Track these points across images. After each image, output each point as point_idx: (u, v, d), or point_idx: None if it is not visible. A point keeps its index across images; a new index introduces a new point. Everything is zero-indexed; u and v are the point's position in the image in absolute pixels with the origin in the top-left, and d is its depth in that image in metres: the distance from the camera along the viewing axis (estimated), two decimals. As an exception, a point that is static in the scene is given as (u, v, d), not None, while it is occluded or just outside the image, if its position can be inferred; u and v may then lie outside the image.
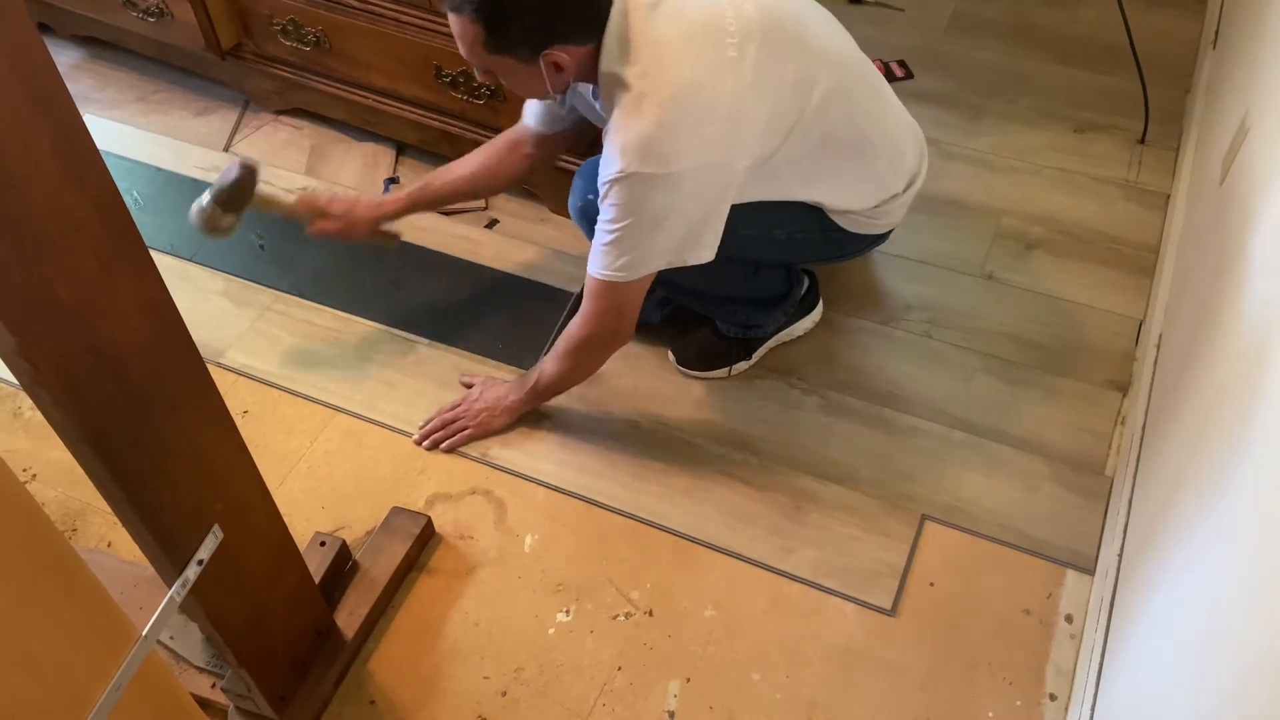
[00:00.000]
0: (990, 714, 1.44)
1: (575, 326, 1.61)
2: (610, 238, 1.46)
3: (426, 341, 1.93)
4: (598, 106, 1.56)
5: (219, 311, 1.99)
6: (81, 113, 0.81)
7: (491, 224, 2.16)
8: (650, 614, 1.56)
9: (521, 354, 1.89)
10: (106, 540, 1.67)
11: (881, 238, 1.78)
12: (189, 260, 2.08)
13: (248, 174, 1.66)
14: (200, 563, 1.08)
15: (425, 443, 1.76)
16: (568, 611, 1.56)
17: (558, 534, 1.65)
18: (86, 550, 1.63)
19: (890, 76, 2.44)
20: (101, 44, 2.54)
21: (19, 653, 0.85)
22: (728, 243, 1.51)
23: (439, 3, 1.40)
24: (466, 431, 1.75)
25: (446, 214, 2.14)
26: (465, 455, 1.76)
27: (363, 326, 1.96)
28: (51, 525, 0.87)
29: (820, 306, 1.91)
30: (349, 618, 1.51)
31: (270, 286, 2.03)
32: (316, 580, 1.45)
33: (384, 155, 2.31)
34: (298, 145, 2.34)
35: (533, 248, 2.09)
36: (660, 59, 1.38)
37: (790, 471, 1.71)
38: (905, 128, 1.68)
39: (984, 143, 2.29)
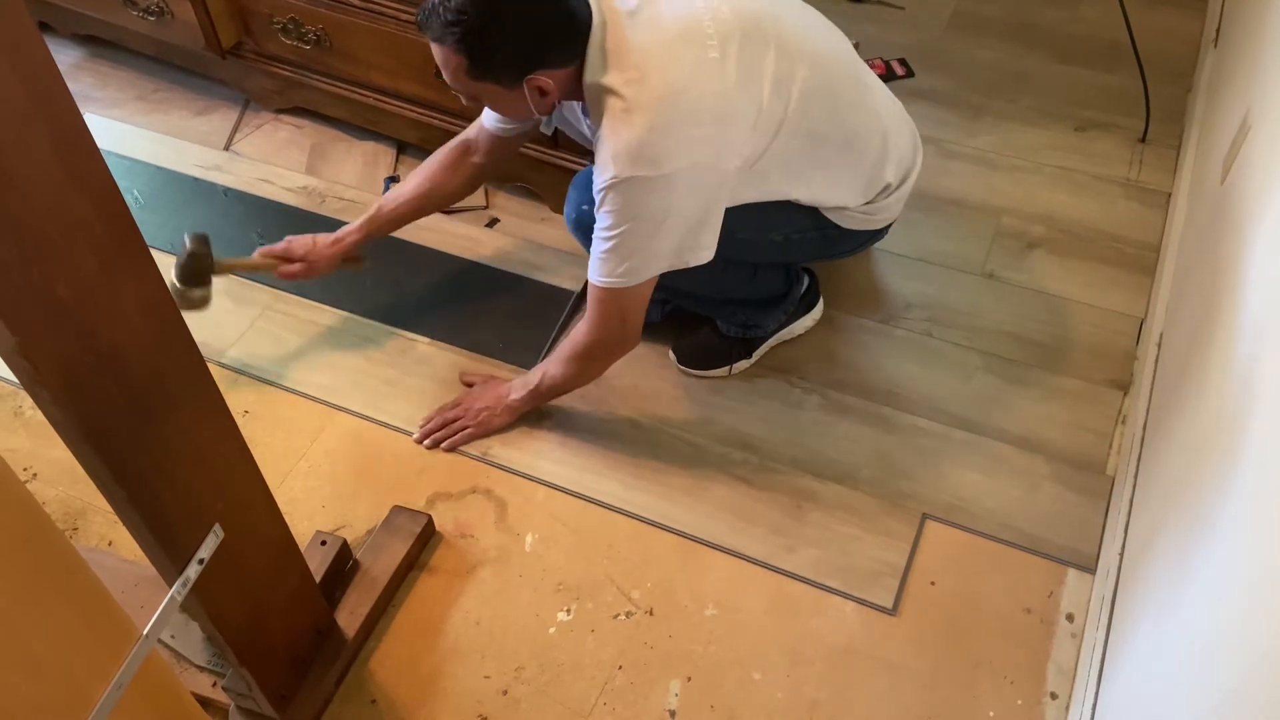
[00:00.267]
0: (991, 713, 1.44)
1: (580, 333, 1.61)
2: (609, 244, 1.46)
3: (427, 340, 1.93)
4: (585, 121, 1.57)
5: (220, 310, 1.98)
6: (82, 112, 0.81)
7: (492, 223, 2.16)
8: (651, 613, 1.56)
9: (522, 353, 1.89)
10: (107, 539, 1.67)
11: (879, 233, 1.78)
12: (189, 259, 2.08)
13: (198, 244, 1.69)
14: (201, 562, 1.08)
15: (426, 441, 1.76)
16: (568, 610, 1.56)
17: (558, 533, 1.65)
18: (87, 549, 1.63)
19: (891, 75, 2.44)
20: (102, 43, 2.54)
21: (20, 652, 0.85)
22: (725, 246, 1.51)
23: (420, 33, 1.40)
24: (467, 431, 1.75)
25: (447, 213, 2.14)
26: (466, 454, 1.76)
27: (363, 325, 1.96)
28: (52, 524, 0.87)
29: (820, 305, 1.91)
30: (350, 617, 1.51)
31: (271, 285, 2.03)
32: (317, 579, 1.45)
33: (385, 154, 2.31)
34: (298, 144, 2.34)
35: (533, 247, 2.09)
36: (644, 65, 1.39)
37: (791, 470, 1.71)
38: (896, 120, 1.68)
39: (985, 141, 2.28)
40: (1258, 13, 1.80)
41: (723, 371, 1.84)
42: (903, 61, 2.48)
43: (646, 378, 1.85)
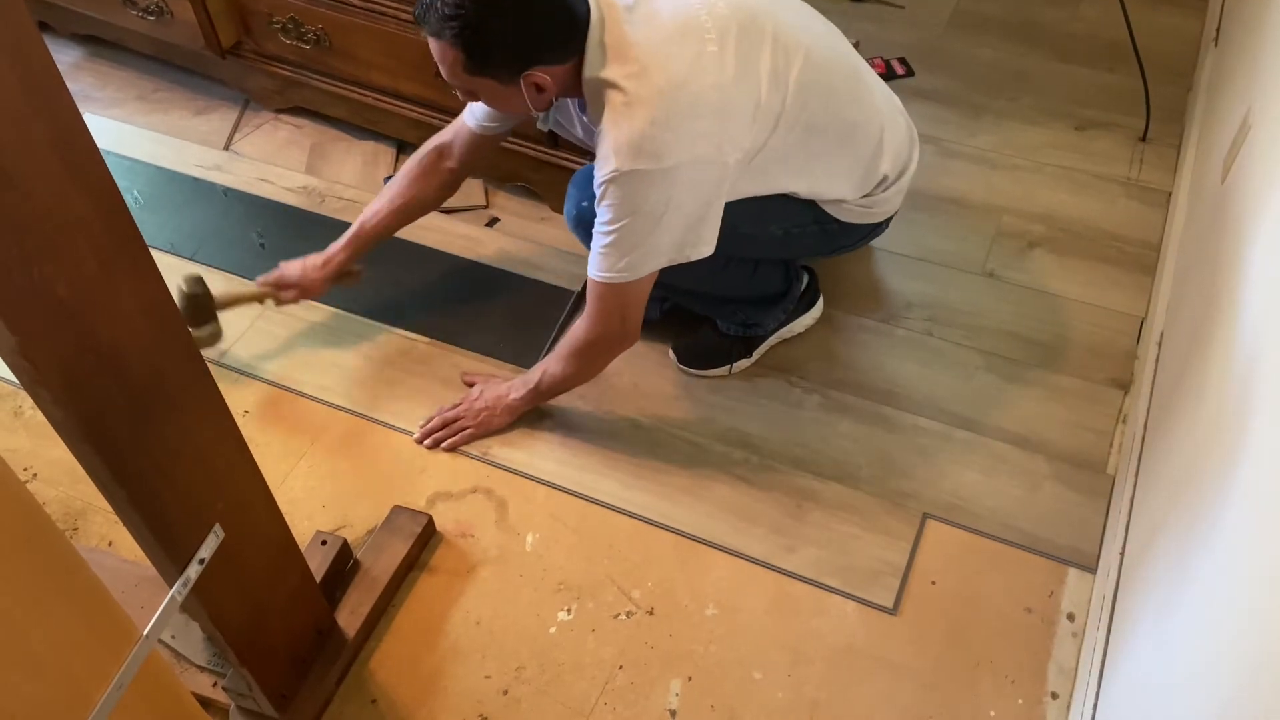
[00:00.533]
0: (992, 713, 1.44)
1: (580, 329, 1.61)
2: (610, 239, 1.46)
3: (427, 340, 1.93)
4: (583, 118, 1.57)
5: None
6: (82, 111, 0.80)
7: (492, 222, 2.16)
8: (651, 613, 1.56)
9: (522, 352, 1.89)
10: (107, 539, 1.67)
11: (879, 228, 1.78)
12: (190, 259, 2.08)
13: (192, 285, 1.73)
14: (201, 562, 1.08)
15: (426, 441, 1.76)
16: (569, 610, 1.56)
17: (559, 533, 1.65)
18: (87, 549, 1.63)
19: (891, 74, 2.43)
20: (101, 42, 2.54)
21: (20, 652, 0.85)
22: (726, 242, 1.51)
23: (418, 27, 1.40)
24: (467, 431, 1.75)
25: (446, 212, 2.14)
26: (466, 454, 1.75)
27: (363, 325, 1.96)
28: (52, 524, 0.87)
29: (820, 303, 1.91)
30: (350, 616, 1.51)
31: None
32: (318, 579, 1.45)
33: (384, 153, 2.31)
34: (298, 144, 2.34)
35: (533, 246, 2.09)
36: (645, 59, 1.39)
37: (791, 470, 1.71)
38: (892, 114, 1.69)
39: (985, 140, 2.28)
40: (1258, 12, 1.79)
41: (723, 371, 1.84)
42: (903, 61, 2.48)
43: (646, 377, 1.85)
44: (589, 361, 1.67)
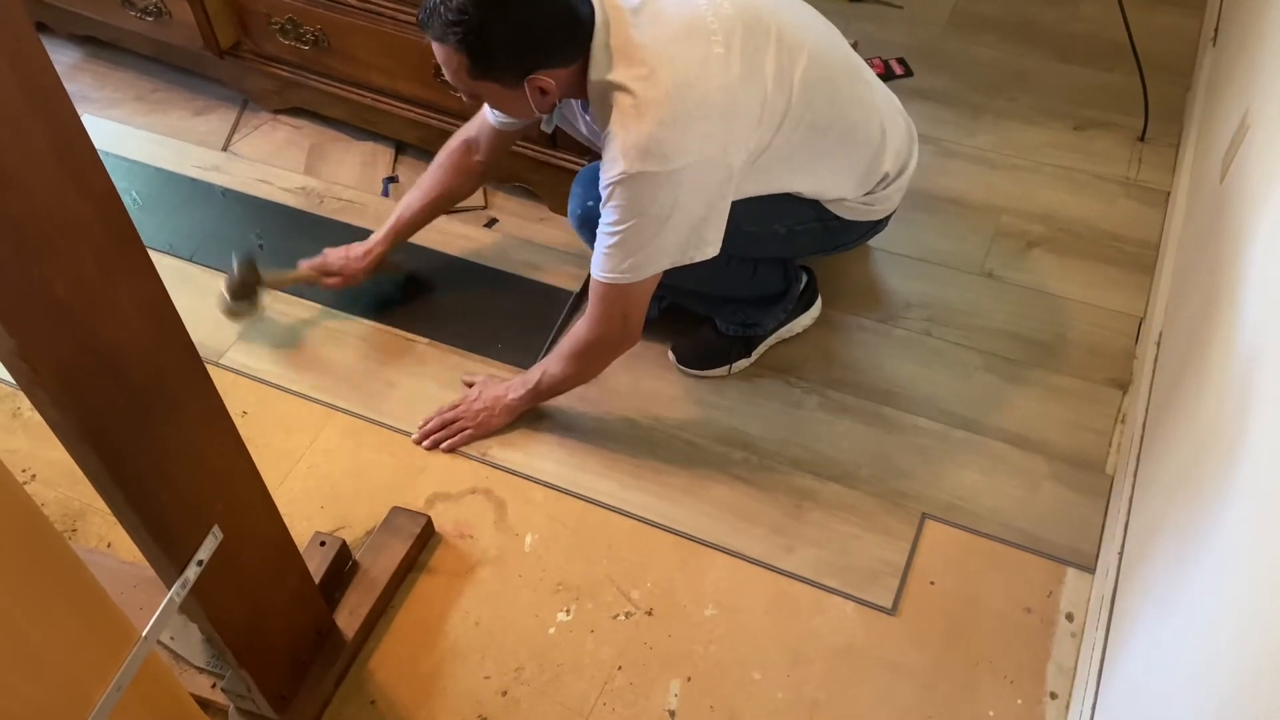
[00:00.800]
0: (991, 712, 1.44)
1: (581, 330, 1.61)
2: (615, 239, 1.46)
3: (425, 340, 1.93)
4: (587, 119, 1.57)
5: (218, 312, 1.98)
6: (80, 112, 0.80)
7: (491, 223, 2.16)
8: (650, 613, 1.56)
9: (520, 353, 1.89)
10: (106, 541, 1.67)
11: (879, 225, 1.79)
12: (188, 260, 2.08)
13: (247, 265, 1.81)
14: (200, 563, 1.08)
15: (425, 443, 1.76)
16: (568, 611, 1.56)
17: (558, 533, 1.65)
18: (86, 551, 1.62)
19: (889, 74, 2.44)
20: (100, 43, 2.54)
21: (19, 654, 0.85)
22: (730, 240, 1.52)
23: (422, 32, 1.41)
24: (466, 432, 1.75)
25: (446, 213, 2.14)
26: (465, 455, 1.75)
27: (361, 326, 1.96)
28: (51, 526, 0.87)
29: (819, 303, 1.91)
30: (349, 617, 1.51)
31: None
32: (316, 580, 1.45)
33: (383, 154, 2.31)
34: (297, 144, 2.34)
35: (532, 247, 2.09)
36: (652, 61, 1.39)
37: (790, 470, 1.71)
38: (892, 112, 1.70)
39: (984, 140, 2.28)
40: (1256, 12, 1.80)
41: (722, 371, 1.84)
42: (901, 61, 2.48)
43: (645, 377, 1.85)
44: (589, 362, 1.67)
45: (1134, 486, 1.54)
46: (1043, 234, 2.08)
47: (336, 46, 2.10)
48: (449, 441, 1.75)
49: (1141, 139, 2.26)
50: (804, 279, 1.88)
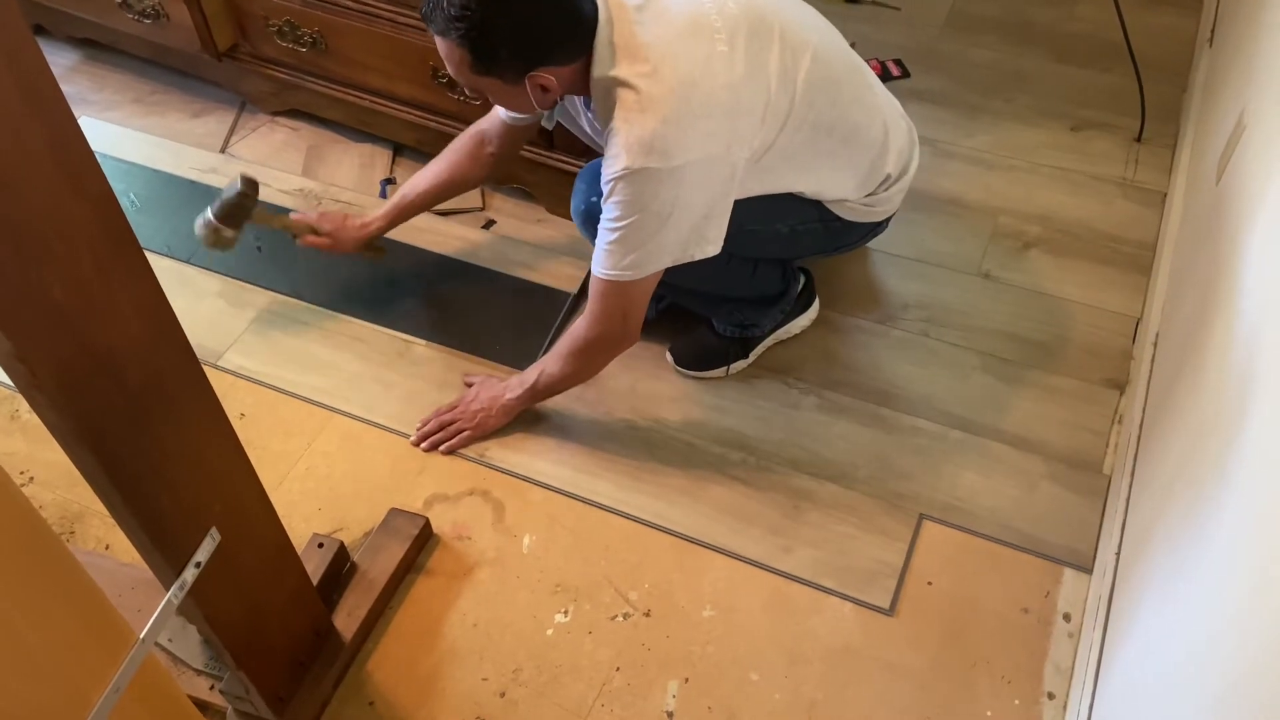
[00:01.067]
0: (989, 713, 1.44)
1: (580, 328, 1.61)
2: (615, 236, 1.46)
3: (423, 342, 1.93)
4: (589, 115, 1.57)
5: (216, 313, 1.99)
6: (78, 114, 0.81)
7: (488, 225, 2.16)
8: (648, 614, 1.56)
9: (518, 354, 1.89)
10: (104, 543, 1.67)
11: (880, 226, 1.79)
12: (186, 262, 2.08)
13: (249, 189, 1.75)
14: (198, 565, 1.08)
15: (424, 445, 1.76)
16: (566, 612, 1.56)
17: (556, 534, 1.65)
18: (84, 553, 1.62)
19: (887, 75, 2.44)
20: (98, 46, 2.54)
21: (17, 656, 0.85)
22: (733, 240, 1.52)
23: (425, 26, 1.41)
24: (464, 434, 1.75)
25: (443, 215, 2.14)
26: (463, 456, 1.75)
27: (359, 328, 1.96)
28: (48, 528, 0.87)
29: (816, 304, 1.92)
30: (347, 619, 1.51)
31: (267, 288, 2.03)
32: (315, 582, 1.45)
33: (381, 156, 2.31)
34: (294, 146, 2.34)
35: (529, 248, 2.09)
36: (656, 58, 1.39)
37: (788, 471, 1.71)
38: (894, 113, 1.70)
39: (981, 141, 2.29)
40: (1252, 13, 1.80)
41: (720, 372, 1.84)
42: (899, 62, 2.48)
43: (643, 379, 1.85)
44: (588, 361, 1.67)
45: (1131, 486, 1.54)
46: (1040, 235, 2.08)
47: (334, 48, 2.11)
48: (447, 445, 1.75)
49: (1138, 140, 2.26)
50: (802, 280, 1.88)
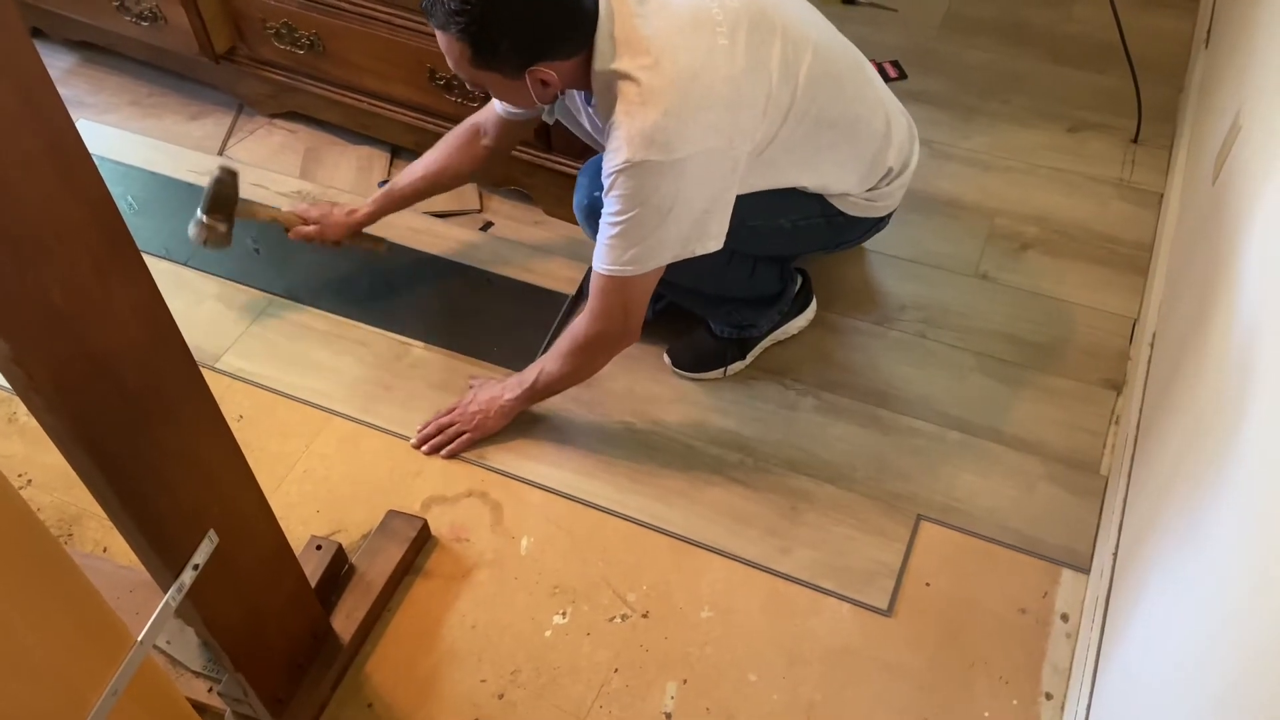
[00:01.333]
0: (987, 713, 1.44)
1: (580, 325, 1.61)
2: (617, 230, 1.46)
3: (421, 344, 1.93)
4: (587, 110, 1.57)
5: (214, 316, 1.99)
6: (75, 117, 0.81)
7: (486, 226, 2.16)
8: (647, 615, 1.56)
9: (516, 356, 1.89)
10: (102, 545, 1.67)
11: (881, 223, 1.80)
12: (183, 265, 2.08)
13: (226, 175, 1.77)
14: (196, 567, 1.08)
15: (425, 448, 1.75)
16: (564, 614, 1.56)
17: (554, 536, 1.65)
18: (82, 555, 1.62)
19: (884, 77, 2.43)
20: (95, 48, 2.54)
21: (14, 658, 0.85)
22: (734, 235, 1.51)
23: (425, 19, 1.41)
24: (465, 436, 1.75)
25: (441, 216, 2.14)
26: (461, 457, 1.75)
27: (357, 330, 1.96)
28: (46, 531, 0.87)
29: (814, 305, 1.92)
30: (345, 621, 1.51)
31: (265, 290, 2.03)
32: (313, 584, 1.45)
33: (378, 158, 2.31)
34: (292, 149, 2.34)
35: (527, 250, 2.09)
36: (657, 51, 1.39)
37: (786, 472, 1.72)
38: (895, 108, 1.71)
39: (978, 142, 2.29)
40: (1248, 13, 1.80)
41: (717, 373, 1.85)
42: (895, 63, 2.48)
43: (641, 380, 1.85)
44: (589, 359, 1.66)
45: (1128, 487, 1.54)
46: (1037, 236, 2.08)
47: (331, 51, 2.11)
48: (448, 448, 1.75)
49: (1135, 140, 2.26)
50: (799, 280, 1.88)
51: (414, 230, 2.08)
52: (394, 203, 1.89)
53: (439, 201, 2.16)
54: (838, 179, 1.65)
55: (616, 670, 1.50)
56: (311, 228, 1.87)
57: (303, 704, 1.41)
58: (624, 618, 1.55)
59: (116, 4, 2.23)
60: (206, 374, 1.04)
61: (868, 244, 1.99)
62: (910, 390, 1.82)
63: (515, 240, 2.12)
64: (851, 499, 1.68)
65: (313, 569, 1.50)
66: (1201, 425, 1.21)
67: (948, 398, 1.81)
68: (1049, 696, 1.45)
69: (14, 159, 0.76)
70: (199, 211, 1.78)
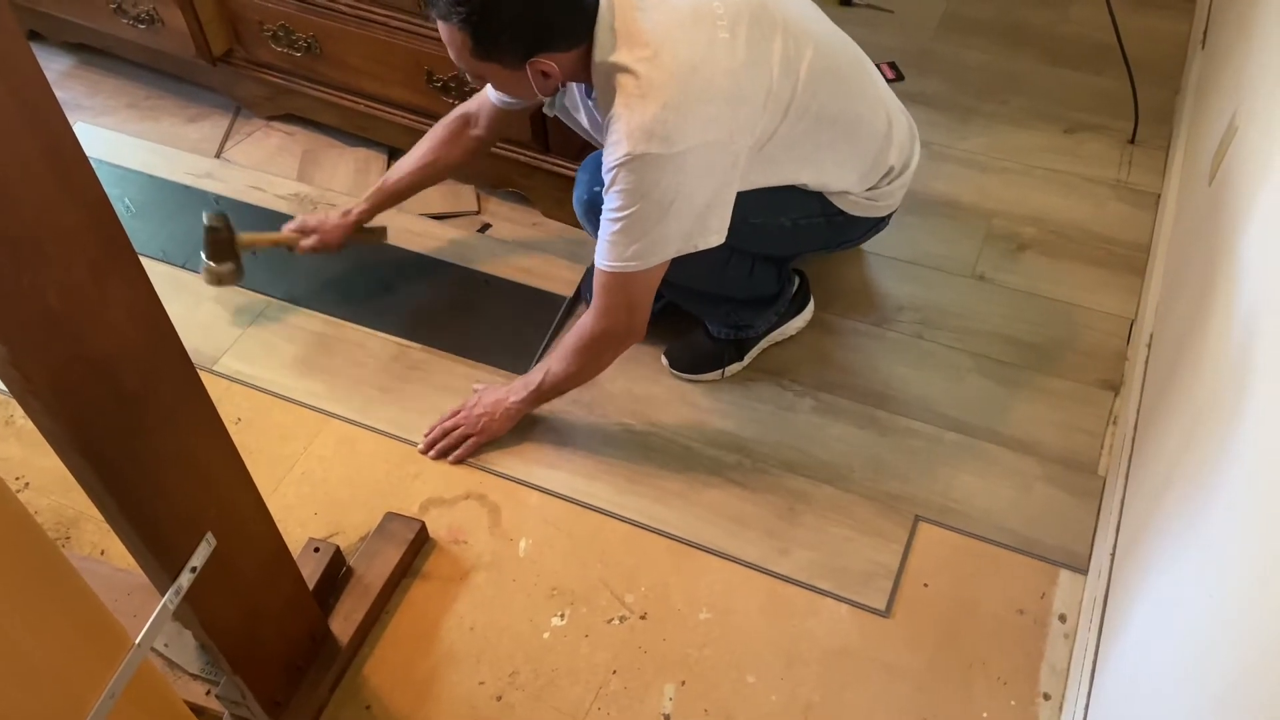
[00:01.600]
0: (985, 714, 1.44)
1: (585, 324, 1.60)
2: (618, 225, 1.45)
3: (420, 346, 1.93)
4: (587, 103, 1.57)
5: (212, 318, 1.99)
6: (73, 120, 0.81)
7: (484, 228, 2.16)
8: (645, 617, 1.56)
9: (514, 358, 1.89)
10: (100, 548, 1.67)
11: (882, 222, 1.80)
12: (181, 267, 2.07)
13: (217, 220, 1.80)
14: (193, 570, 1.08)
15: (431, 453, 1.75)
16: (562, 615, 1.56)
17: (552, 538, 1.65)
18: (79, 558, 1.62)
19: (881, 78, 2.44)
20: (92, 51, 2.54)
21: (12, 661, 0.85)
22: (735, 233, 1.51)
23: (426, 10, 1.41)
24: (471, 440, 1.74)
25: (438, 218, 2.14)
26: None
27: (355, 332, 1.96)
28: (44, 534, 0.87)
29: (811, 305, 1.92)
30: (344, 623, 1.51)
31: (263, 293, 2.03)
32: (311, 586, 1.45)
33: (376, 160, 2.31)
34: (289, 151, 2.34)
35: (525, 252, 2.09)
36: (657, 43, 1.39)
37: (783, 473, 1.72)
38: (895, 106, 1.71)
39: (975, 143, 2.29)
40: (1244, 14, 1.81)
41: (715, 375, 1.85)
42: (892, 65, 2.48)
43: (639, 382, 1.85)
44: (594, 357, 1.65)
45: (1126, 487, 1.55)
46: (1034, 236, 2.09)
47: (329, 53, 2.11)
48: (455, 454, 1.74)
49: (1131, 141, 2.27)
50: (797, 281, 1.88)
51: (412, 232, 2.08)
52: (388, 198, 1.89)
53: (436, 203, 2.16)
54: (838, 177, 1.65)
55: (615, 672, 1.50)
56: (313, 239, 1.87)
57: (301, 706, 1.41)
58: (622, 619, 1.55)
59: (113, 6, 2.23)
60: (204, 376, 1.04)
61: (865, 245, 1.99)
62: (908, 391, 1.83)
63: (513, 242, 2.12)
64: (849, 500, 1.68)
65: (311, 571, 1.50)
66: (1199, 425, 1.21)
67: (945, 399, 1.81)
68: (1047, 697, 1.46)
69: (11, 162, 0.76)
70: (204, 258, 1.82)
